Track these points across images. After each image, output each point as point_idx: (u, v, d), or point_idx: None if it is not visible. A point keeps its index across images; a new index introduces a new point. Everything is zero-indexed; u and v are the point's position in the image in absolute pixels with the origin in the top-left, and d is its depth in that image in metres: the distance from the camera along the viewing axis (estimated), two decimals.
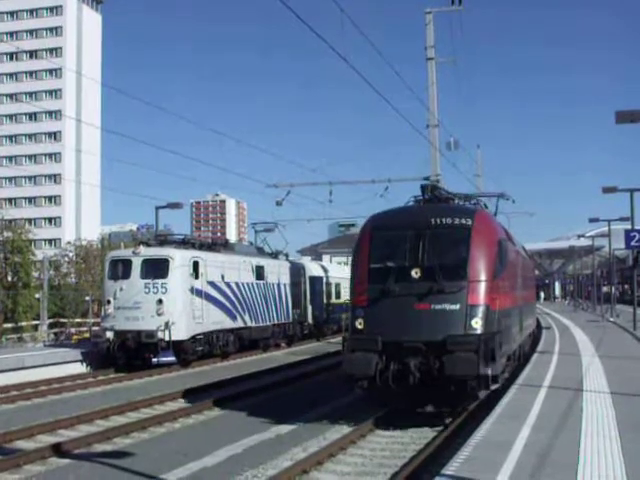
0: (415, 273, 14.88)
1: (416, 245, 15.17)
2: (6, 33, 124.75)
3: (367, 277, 15.49)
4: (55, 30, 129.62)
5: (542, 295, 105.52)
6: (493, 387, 14.61)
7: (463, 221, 15.44)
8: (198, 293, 27.79)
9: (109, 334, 26.33)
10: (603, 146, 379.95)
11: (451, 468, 8.79)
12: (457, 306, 14.54)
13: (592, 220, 48.59)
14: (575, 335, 31.58)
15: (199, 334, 27.71)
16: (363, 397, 16.11)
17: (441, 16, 35.27)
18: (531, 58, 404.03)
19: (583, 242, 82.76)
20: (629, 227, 34.99)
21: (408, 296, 14.75)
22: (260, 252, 36.91)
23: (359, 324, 15.05)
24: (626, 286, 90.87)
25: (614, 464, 8.95)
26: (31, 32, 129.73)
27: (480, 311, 14.53)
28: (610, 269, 66.68)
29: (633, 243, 32.25)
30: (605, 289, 74.70)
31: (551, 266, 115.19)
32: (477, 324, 14.41)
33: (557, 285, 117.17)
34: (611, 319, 45.86)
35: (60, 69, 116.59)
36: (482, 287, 14.79)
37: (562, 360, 20.81)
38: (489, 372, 14.01)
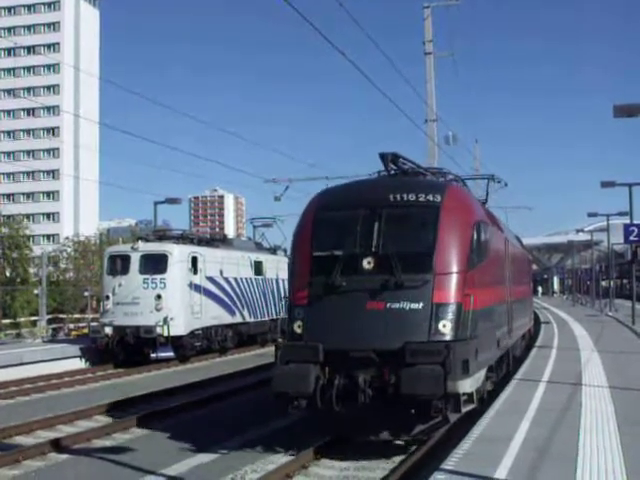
0: (367, 263, 12.06)
1: (369, 228, 12.28)
2: (4, 28, 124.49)
3: (308, 268, 12.59)
4: (53, 25, 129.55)
5: (540, 290, 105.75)
6: (466, 409, 11.78)
7: (430, 197, 12.46)
8: (197, 288, 27.80)
9: (108, 330, 26.35)
10: (602, 140, 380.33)
11: (450, 463, 8.78)
12: (419, 305, 11.66)
13: (591, 215, 48.68)
14: (574, 330, 31.61)
15: (198, 329, 27.74)
16: (303, 419, 13.44)
17: (440, 11, 35.14)
18: (530, 53, 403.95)
19: (582, 237, 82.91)
20: (628, 221, 35.03)
21: (358, 292, 11.93)
22: (258, 247, 36.93)
23: (297, 327, 12.18)
24: (624, 280, 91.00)
25: (613, 458, 8.95)
26: (29, 27, 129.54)
27: (449, 311, 11.68)
28: (609, 264, 66.78)
29: (632, 238, 32.25)
30: (604, 284, 74.82)
31: (550, 261, 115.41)
32: (445, 328, 11.57)
33: (555, 280, 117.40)
34: (610, 314, 45.95)
35: (58, 64, 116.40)
36: (452, 281, 11.93)
37: (561, 355, 20.83)
38: (460, 389, 11.23)
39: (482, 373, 12.75)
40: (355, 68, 17.44)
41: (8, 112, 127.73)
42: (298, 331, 12.19)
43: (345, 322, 11.89)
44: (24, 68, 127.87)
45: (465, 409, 11.69)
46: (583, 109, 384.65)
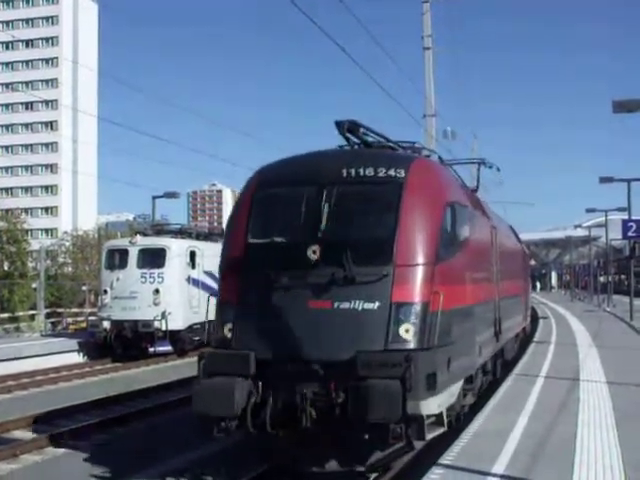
0: (312, 252, 9.78)
1: (316, 209, 10.14)
2: (2, 22, 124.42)
3: (242, 259, 10.41)
4: (51, 19, 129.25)
5: (539, 285, 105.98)
6: (432, 434, 9.57)
7: (391, 172, 10.27)
8: (195, 283, 27.82)
9: (106, 324, 26.40)
10: (600, 136, 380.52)
11: (448, 458, 8.78)
12: (375, 304, 9.47)
13: (589, 210, 48.68)
14: (572, 325, 31.65)
15: (196, 324, 27.74)
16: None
17: (439, 4, 35.17)
18: (529, 43, 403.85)
19: (580, 232, 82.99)
20: (626, 217, 35.05)
21: (299, 288, 9.76)
22: None
23: (228, 332, 10.08)
24: (622, 276, 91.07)
25: (611, 453, 8.96)
26: (27, 21, 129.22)
27: (412, 312, 9.50)
28: (607, 259, 66.87)
29: (630, 233, 32.28)
30: (602, 279, 74.87)
31: (548, 256, 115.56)
32: (407, 333, 9.37)
33: (554, 275, 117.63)
34: (608, 309, 46.01)
35: (56, 58, 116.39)
36: (417, 275, 9.72)
37: (559, 350, 20.84)
38: (424, 411, 9.08)
39: (457, 387, 10.64)
40: (355, 64, 17.42)
41: (6, 106, 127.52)
42: (228, 336, 10.07)
43: (283, 325, 9.73)
44: (22, 62, 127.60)
45: (431, 435, 9.52)
46: (583, 104, 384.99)
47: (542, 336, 25.66)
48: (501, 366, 16.60)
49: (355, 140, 11.45)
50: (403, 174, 10.26)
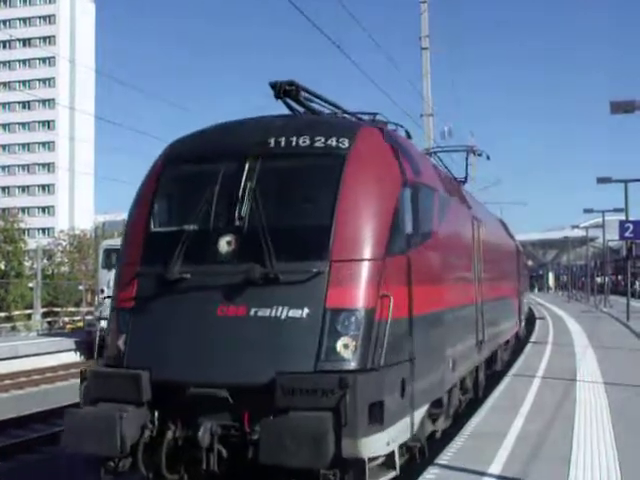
0: (226, 244, 7.82)
1: (235, 190, 8.02)
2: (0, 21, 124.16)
3: (141, 252, 8.31)
4: (48, 18, 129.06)
5: (536, 286, 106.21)
6: None
7: (332, 142, 8.13)
8: None
9: (103, 323, 26.33)
10: (598, 137, 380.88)
11: (444, 458, 8.76)
12: (304, 311, 7.36)
13: (586, 211, 48.73)
14: (569, 325, 31.71)
15: None
16: None
17: (438, 4, 35.17)
18: (526, 47, 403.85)
19: (577, 233, 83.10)
20: (623, 218, 35.11)
21: (207, 290, 7.68)
22: None
23: (122, 344, 7.89)
24: (619, 277, 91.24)
25: (607, 454, 8.95)
26: (24, 20, 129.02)
27: (353, 322, 7.34)
28: (604, 260, 67.01)
29: (627, 234, 32.29)
30: (599, 280, 75.01)
31: (545, 257, 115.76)
32: (346, 349, 7.26)
33: (551, 276, 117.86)
34: (604, 310, 46.08)
35: (54, 57, 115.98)
36: (360, 273, 7.55)
37: (556, 350, 20.86)
38: (365, 452, 6.91)
39: (418, 415, 8.43)
40: (351, 62, 17.43)
41: (4, 105, 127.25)
42: (122, 350, 7.88)
43: (185, 338, 7.62)
44: (20, 61, 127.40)
45: None
46: (580, 104, 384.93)
47: (539, 337, 25.70)
48: (487, 379, 14.84)
49: (298, 108, 9.25)
50: (347, 144, 8.13)
